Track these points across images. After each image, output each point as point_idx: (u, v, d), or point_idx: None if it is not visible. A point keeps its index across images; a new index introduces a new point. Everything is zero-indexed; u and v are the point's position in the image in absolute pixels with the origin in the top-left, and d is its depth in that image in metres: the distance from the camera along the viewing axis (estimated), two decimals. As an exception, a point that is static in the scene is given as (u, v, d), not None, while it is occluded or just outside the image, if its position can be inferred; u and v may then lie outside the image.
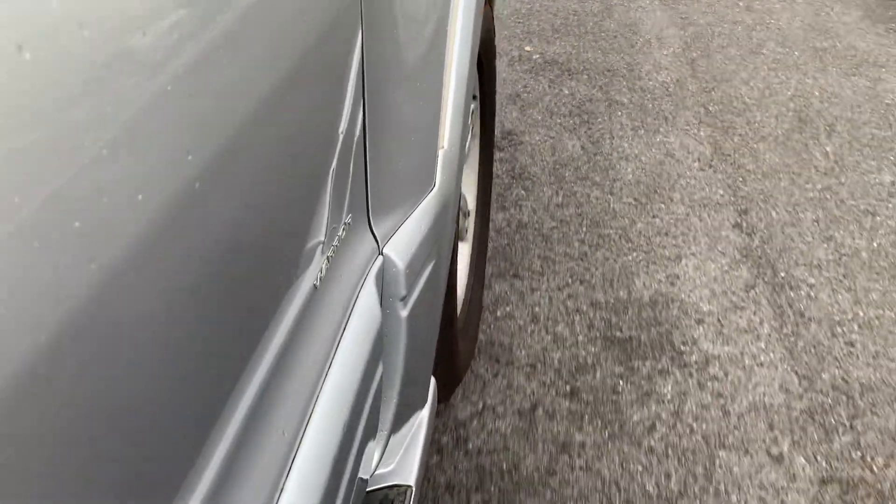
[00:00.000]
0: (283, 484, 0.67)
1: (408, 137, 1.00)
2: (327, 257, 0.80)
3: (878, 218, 2.26)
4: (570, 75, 3.08)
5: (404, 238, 0.97)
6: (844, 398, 1.67)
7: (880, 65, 3.19)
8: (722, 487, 1.47)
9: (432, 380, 1.18)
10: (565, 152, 2.56)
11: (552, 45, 3.36)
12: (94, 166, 0.40)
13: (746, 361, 1.75)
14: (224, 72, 0.53)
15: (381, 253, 0.95)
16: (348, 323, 0.83)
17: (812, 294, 1.96)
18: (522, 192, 2.36)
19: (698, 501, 1.45)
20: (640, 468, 1.51)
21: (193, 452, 0.54)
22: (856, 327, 1.86)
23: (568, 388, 1.69)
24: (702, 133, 2.68)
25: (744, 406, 1.64)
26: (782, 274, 2.03)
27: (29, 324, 0.35)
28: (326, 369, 0.77)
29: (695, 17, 3.65)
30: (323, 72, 0.74)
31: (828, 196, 2.35)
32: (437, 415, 1.36)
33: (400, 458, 1.04)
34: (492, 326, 1.84)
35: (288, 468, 0.68)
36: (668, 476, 1.50)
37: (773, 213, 2.27)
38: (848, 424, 1.61)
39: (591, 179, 2.42)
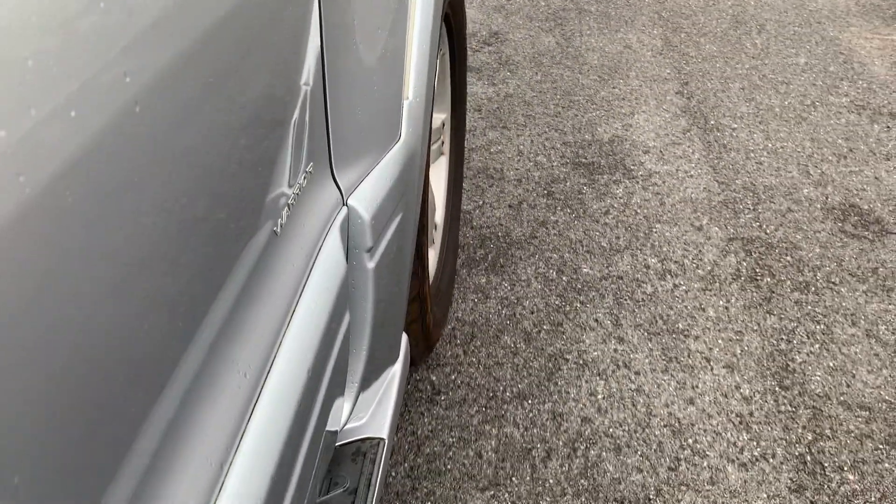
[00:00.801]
0: (245, 427, 0.66)
1: (370, 87, 0.98)
2: (288, 204, 0.79)
3: (791, 86, 2.83)
4: (546, -8, 3.63)
5: (369, 189, 0.97)
6: (751, 194, 2.24)
7: (809, -19, 3.76)
8: (656, 243, 2.04)
9: (404, 336, 1.18)
10: (542, 46, 3.11)
11: (530, -30, 3.90)
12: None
13: (680, 175, 2.32)
14: (188, 19, 0.55)
15: (345, 204, 0.94)
16: (312, 271, 0.83)
17: (734, 134, 2.54)
18: (508, 73, 2.91)
19: (639, 251, 2.02)
20: (597, 234, 2.08)
21: (152, 392, 0.53)
22: (765, 153, 2.44)
23: (545, 191, 2.25)
24: (655, 31, 3.24)
25: (676, 199, 2.21)
26: (712, 122, 2.60)
27: None
28: (290, 315, 0.77)
29: (654, -52, 4.19)
30: (280, 19, 0.73)
31: (753, 72, 2.92)
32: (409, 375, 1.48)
33: (372, 411, 1.04)
34: (486, 158, 2.40)
35: (249, 412, 0.67)
36: (617, 237, 2.06)
37: (709, 84, 2.84)
38: (751, 208, 2.19)
39: (564, 64, 2.97)
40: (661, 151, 2.43)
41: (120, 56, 0.46)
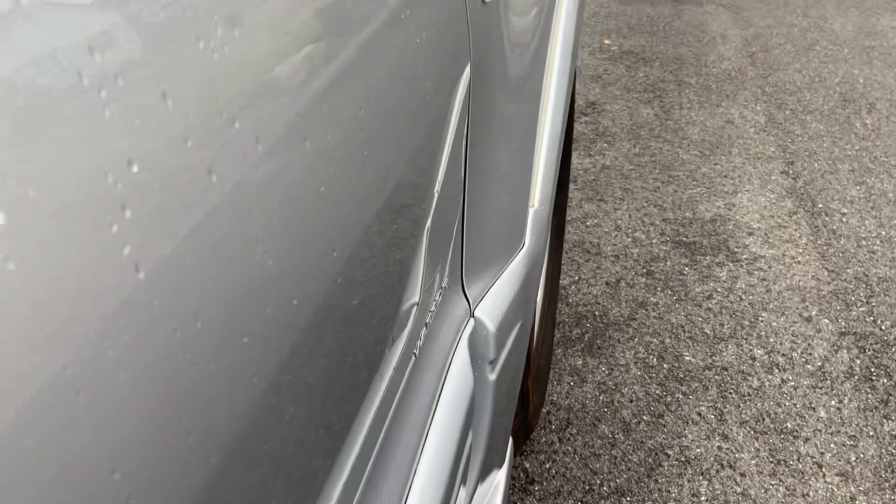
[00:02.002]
0: None
1: (502, 196, 0.98)
2: (426, 324, 0.77)
3: (905, 170, 2.71)
4: (644, 62, 3.60)
5: (495, 300, 0.95)
6: (863, 285, 2.13)
7: (921, 60, 3.63)
8: (763, 333, 1.95)
9: (510, 439, 1.17)
10: (641, 118, 3.07)
11: (628, 39, 3.88)
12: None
13: (786, 260, 2.23)
14: (330, 125, 0.49)
15: (472, 315, 0.92)
16: (442, 391, 0.80)
17: (844, 220, 2.43)
18: (605, 144, 2.87)
19: (744, 340, 1.93)
20: (699, 319, 2.00)
21: None
22: (878, 242, 2.32)
23: (644, 270, 2.18)
24: (758, 107, 3.16)
25: (782, 286, 2.12)
26: (820, 205, 2.50)
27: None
28: (423, 441, 0.75)
29: (756, 20, 4.13)
30: (435, 125, 0.71)
31: (863, 154, 2.81)
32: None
33: None
34: (582, 231, 2.35)
35: None
36: (721, 325, 1.98)
37: (816, 165, 2.74)
38: (864, 300, 2.07)
39: (663, 137, 2.92)
40: (766, 234, 2.34)
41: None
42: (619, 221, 2.41)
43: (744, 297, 2.07)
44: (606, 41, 3.85)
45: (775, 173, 2.68)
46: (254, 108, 0.42)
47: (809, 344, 1.92)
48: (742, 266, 2.20)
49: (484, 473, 1.03)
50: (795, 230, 2.37)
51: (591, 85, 3.36)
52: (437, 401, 0.79)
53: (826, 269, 2.20)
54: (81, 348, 0.29)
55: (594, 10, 4.28)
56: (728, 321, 1.99)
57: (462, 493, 0.92)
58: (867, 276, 2.17)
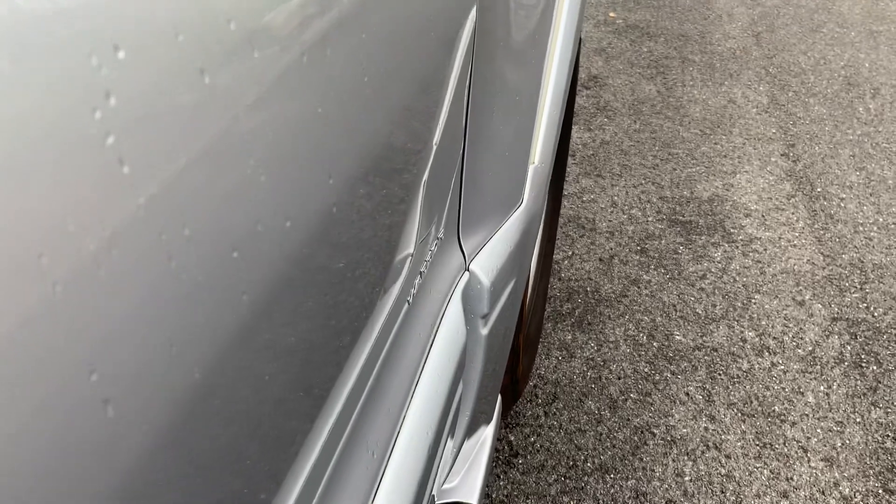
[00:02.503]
0: None
1: (503, 152, 0.97)
2: (420, 272, 0.77)
3: (906, 158, 2.68)
4: (648, 37, 3.55)
5: (490, 254, 0.95)
6: (858, 271, 2.12)
7: (928, 47, 3.59)
8: (755, 316, 1.93)
9: (498, 397, 1.17)
10: (643, 93, 3.03)
11: (633, 13, 3.82)
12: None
13: (782, 243, 2.21)
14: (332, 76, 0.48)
15: (467, 269, 0.92)
16: (435, 340, 0.80)
17: (842, 204, 2.41)
18: (605, 119, 2.84)
19: (736, 322, 1.91)
20: (692, 299, 1.98)
21: (281, 470, 0.51)
22: (875, 228, 2.30)
23: (638, 248, 2.16)
24: (761, 87, 3.13)
25: (777, 269, 2.10)
26: (818, 189, 2.47)
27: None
28: (413, 388, 0.75)
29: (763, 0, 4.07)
30: (436, 78, 0.70)
31: (865, 139, 2.78)
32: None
33: (463, 475, 1.03)
34: (578, 206, 2.33)
35: (374, 490, 0.66)
36: (713, 305, 1.96)
37: (816, 148, 2.71)
38: (858, 287, 2.06)
39: (664, 114, 2.88)
40: (763, 216, 2.32)
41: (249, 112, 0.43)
42: (615, 198, 2.38)
43: (737, 279, 2.06)
44: (612, 14, 3.80)
45: (775, 155, 2.66)
46: (256, 26, 0.41)
47: (801, 328, 1.91)
48: (737, 247, 2.18)
49: (472, 428, 1.04)
50: (793, 213, 2.35)
51: (595, 58, 3.32)
52: (429, 349, 0.79)
53: (822, 253, 2.18)
54: (61, 249, 0.29)
55: (600, -18, 4.21)
56: (721, 302, 1.97)
57: (450, 444, 0.92)
58: (862, 262, 2.15)
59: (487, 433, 1.10)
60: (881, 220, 2.34)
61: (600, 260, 2.10)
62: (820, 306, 1.98)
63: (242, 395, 0.43)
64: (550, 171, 1.15)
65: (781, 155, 2.66)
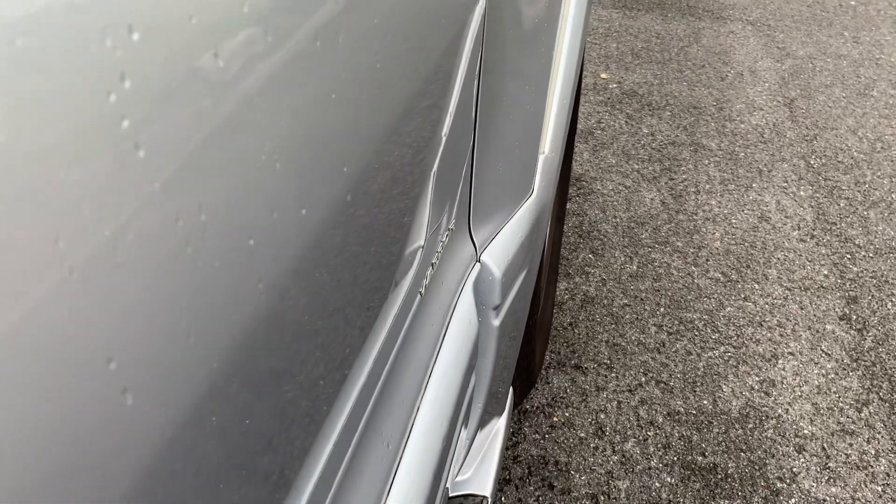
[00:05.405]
0: (385, 498, 0.66)
1: (513, 142, 0.97)
2: (432, 264, 0.79)
3: None
4: (650, 111, 2.74)
5: (501, 245, 0.96)
6: None
7: None
8: None
9: (510, 389, 1.17)
10: (642, 207, 2.23)
11: (631, 72, 3.02)
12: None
13: (860, 512, 1.42)
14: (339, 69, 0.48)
15: (478, 260, 0.93)
16: (447, 332, 0.82)
17: (940, 420, 1.61)
18: (590, 255, 2.04)
19: None
20: None
21: (297, 462, 0.52)
22: None
23: (636, 533, 1.38)
24: (802, 193, 2.33)
25: (858, 579, 1.31)
26: (902, 389, 1.68)
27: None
28: (426, 380, 0.77)
29: (793, 48, 3.26)
30: (446, 66, 0.70)
31: (955, 285, 1.98)
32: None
33: (476, 466, 1.03)
34: (542, 440, 1.54)
35: (390, 481, 0.67)
36: None
37: (889, 305, 1.91)
38: None
39: (672, 245, 2.09)
40: (824, 449, 1.53)
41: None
42: (600, 418, 1.59)
43: None
44: (603, 75, 2.99)
45: (831, 318, 1.86)
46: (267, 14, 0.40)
47: None
48: (791, 528, 1.39)
49: (484, 420, 1.04)
50: (868, 441, 1.55)
51: (579, 146, 2.52)
52: (442, 340, 0.80)
53: (922, 532, 1.39)
54: (77, 233, 0.28)
55: (592, 25, 3.40)
56: None
57: (463, 435, 0.91)
58: None
59: (500, 424, 1.10)
60: None
61: (574, 565, 1.32)
62: None
63: (257, 384, 0.43)
64: (561, 161, 1.17)
65: (840, 318, 1.86)
